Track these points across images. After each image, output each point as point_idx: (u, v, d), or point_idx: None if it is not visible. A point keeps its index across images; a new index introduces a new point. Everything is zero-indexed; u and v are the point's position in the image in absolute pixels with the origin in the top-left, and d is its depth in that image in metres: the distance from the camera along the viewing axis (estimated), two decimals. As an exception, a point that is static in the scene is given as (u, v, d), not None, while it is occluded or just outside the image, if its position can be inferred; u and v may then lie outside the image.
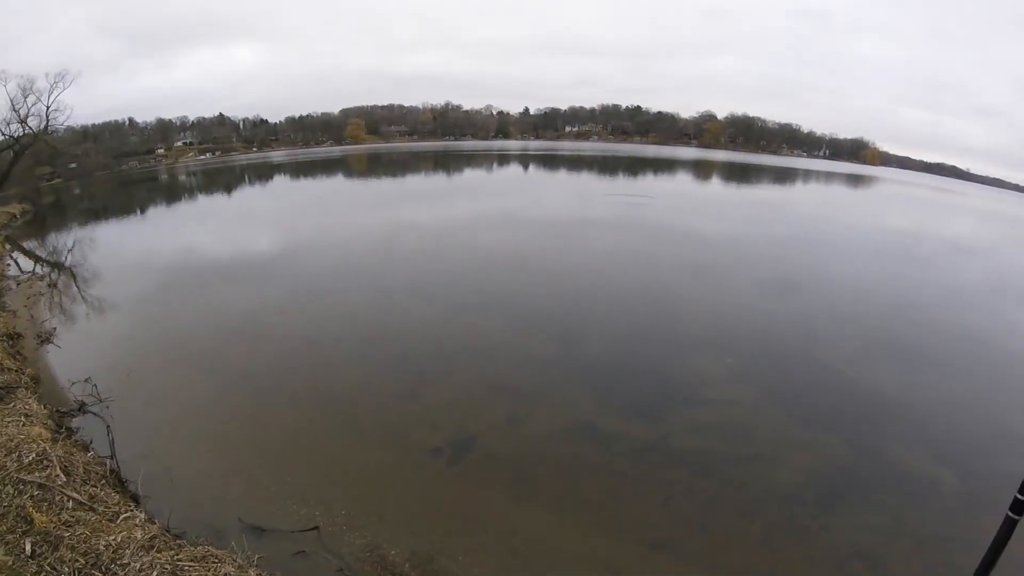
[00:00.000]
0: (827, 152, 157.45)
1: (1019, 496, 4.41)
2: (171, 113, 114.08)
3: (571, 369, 13.93)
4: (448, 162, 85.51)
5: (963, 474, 10.44)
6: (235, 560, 7.02)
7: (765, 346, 15.94)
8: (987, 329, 19.07)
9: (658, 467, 10.19)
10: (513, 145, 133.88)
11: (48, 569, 6.14)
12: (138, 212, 43.66)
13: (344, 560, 7.65)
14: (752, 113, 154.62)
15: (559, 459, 10.33)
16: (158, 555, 6.66)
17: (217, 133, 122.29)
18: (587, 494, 9.38)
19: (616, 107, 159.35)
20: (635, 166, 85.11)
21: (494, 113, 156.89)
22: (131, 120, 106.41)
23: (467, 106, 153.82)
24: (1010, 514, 4.46)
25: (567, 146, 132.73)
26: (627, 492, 9.48)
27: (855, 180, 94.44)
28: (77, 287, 20.59)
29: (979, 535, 8.69)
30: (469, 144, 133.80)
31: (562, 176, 70.68)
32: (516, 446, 10.70)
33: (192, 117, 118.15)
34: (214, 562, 6.86)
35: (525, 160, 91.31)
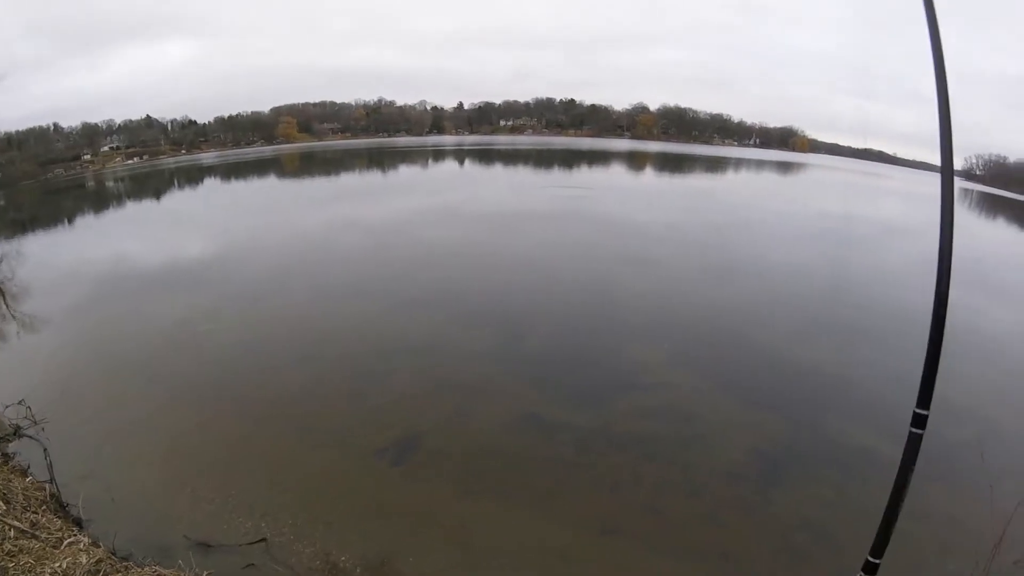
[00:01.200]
0: (757, 141, 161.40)
1: (917, 411, 4.79)
2: (99, 116, 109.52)
3: (514, 362, 14.05)
4: (383, 159, 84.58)
5: (902, 444, 10.87)
6: (184, 579, 6.87)
7: (704, 330, 16.38)
8: (919, 306, 19.81)
9: (604, 454, 10.37)
10: (448, 140, 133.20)
11: (-4, 603, 5.92)
12: (66, 222, 41.72)
13: (294, 570, 7.55)
14: (685, 104, 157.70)
15: (506, 452, 10.42)
16: (105, 579, 6.48)
17: (145, 136, 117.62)
18: (535, 484, 9.48)
19: (550, 100, 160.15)
20: (571, 159, 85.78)
21: (428, 108, 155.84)
22: (56, 125, 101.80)
23: (401, 102, 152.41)
24: (912, 430, 4.83)
25: (502, 140, 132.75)
26: (575, 480, 9.62)
27: (785, 167, 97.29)
28: (6, 304, 19.66)
29: (922, 501, 9.20)
30: (403, 140, 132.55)
31: (499, 170, 70.83)
32: (463, 441, 10.73)
33: (119, 120, 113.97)
34: (163, 582, 6.70)
35: (461, 155, 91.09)
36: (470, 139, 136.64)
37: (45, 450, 9.53)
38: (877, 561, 4.64)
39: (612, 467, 9.94)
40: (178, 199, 54.77)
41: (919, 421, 4.77)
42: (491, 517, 8.66)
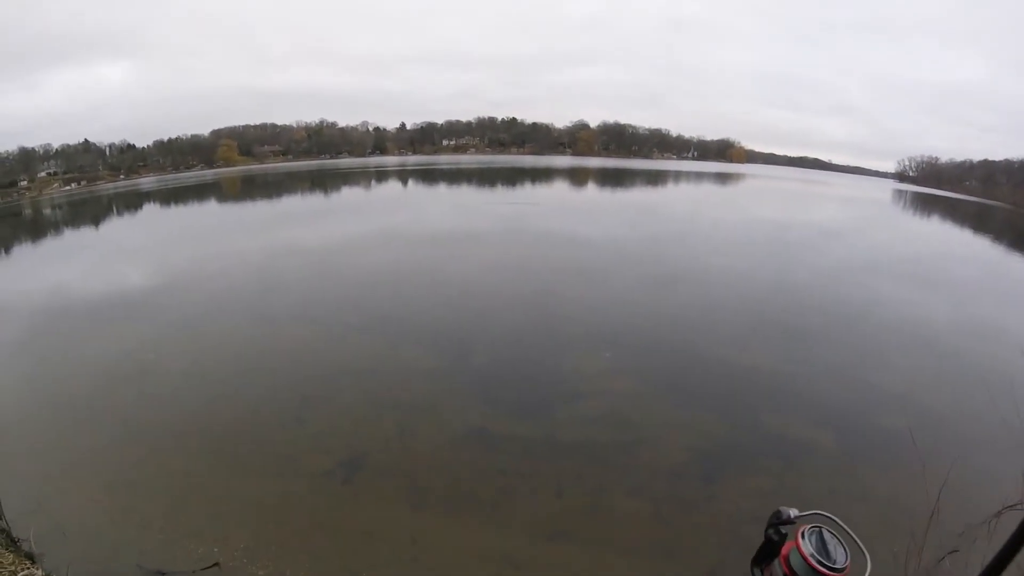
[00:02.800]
0: (695, 154, 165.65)
1: None
2: (36, 140, 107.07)
3: (459, 379, 14.11)
4: (325, 181, 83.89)
5: (840, 434, 11.39)
6: (139, 606, 6.79)
7: (645, 339, 16.71)
8: (856, 302, 20.93)
9: (547, 462, 10.50)
10: (391, 161, 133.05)
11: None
12: (2, 252, 40.32)
13: (248, 593, 7.46)
14: (623, 120, 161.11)
15: (451, 466, 10.47)
16: (63, 610, 6.38)
17: (82, 161, 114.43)
18: (481, 495, 9.57)
19: (492, 119, 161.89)
20: (514, 176, 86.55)
21: (370, 129, 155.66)
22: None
23: (342, 123, 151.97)
24: None
25: (445, 160, 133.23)
26: (520, 489, 9.73)
27: (724, 178, 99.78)
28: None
29: (860, 485, 9.69)
30: (346, 162, 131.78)
31: (442, 189, 70.98)
32: (407, 458, 10.73)
33: (56, 144, 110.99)
34: (118, 610, 6.64)
35: (404, 176, 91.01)
36: (413, 159, 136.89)
37: (-8, 487, 9.29)
38: None
39: (556, 474, 10.10)
40: (117, 226, 53.35)
41: None
42: (440, 530, 8.72)
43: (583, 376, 14.01)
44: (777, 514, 1.84)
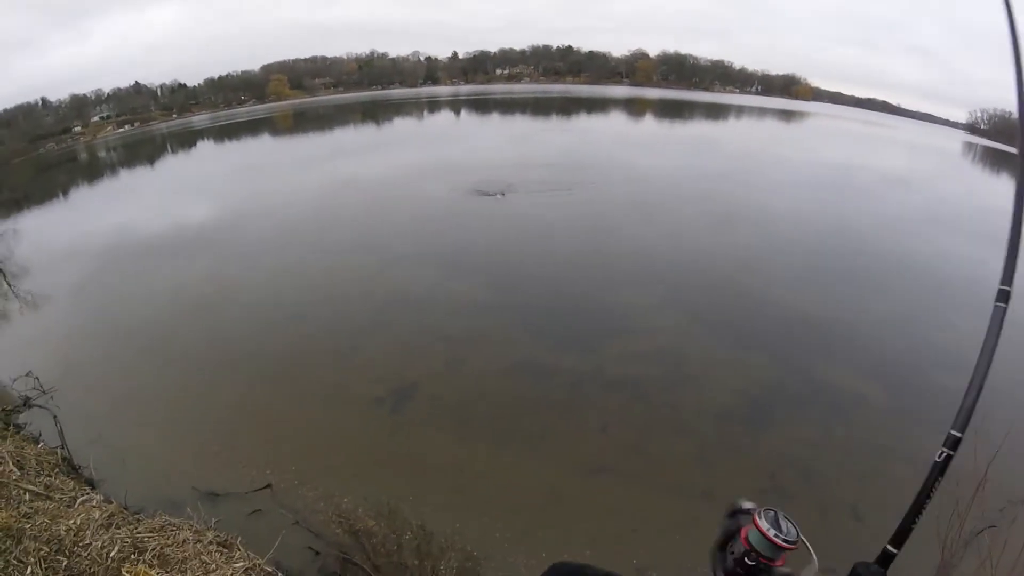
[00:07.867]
0: (759, 88, 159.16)
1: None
2: (88, 87, 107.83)
3: (510, 310, 14.33)
4: (377, 113, 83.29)
5: (891, 388, 11.18)
6: (193, 526, 7.08)
7: (698, 277, 16.67)
8: (918, 255, 20.12)
9: (594, 396, 10.68)
10: (443, 91, 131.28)
11: (15, 563, 6.11)
12: (61, 197, 41.09)
13: (299, 513, 7.88)
14: (685, 51, 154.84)
15: (498, 397, 10.76)
16: (117, 531, 6.67)
17: (134, 103, 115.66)
18: (527, 428, 9.80)
19: (547, 48, 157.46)
20: (569, 106, 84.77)
21: (422, 59, 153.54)
22: (44, 100, 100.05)
23: (393, 54, 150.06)
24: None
25: (498, 89, 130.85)
26: (566, 422, 9.96)
27: (788, 115, 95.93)
28: (7, 283, 19.48)
29: (906, 444, 9.47)
30: (397, 92, 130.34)
31: (495, 120, 70.38)
32: (456, 389, 11.05)
33: (107, 89, 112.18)
34: (172, 530, 6.93)
35: (457, 106, 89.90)
36: (465, 89, 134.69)
37: (55, 417, 9.82)
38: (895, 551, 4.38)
39: (602, 409, 10.27)
40: (172, 165, 54.21)
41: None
42: (486, 460, 9.02)
43: (634, 311, 14.04)
44: (735, 505, 2.14)
